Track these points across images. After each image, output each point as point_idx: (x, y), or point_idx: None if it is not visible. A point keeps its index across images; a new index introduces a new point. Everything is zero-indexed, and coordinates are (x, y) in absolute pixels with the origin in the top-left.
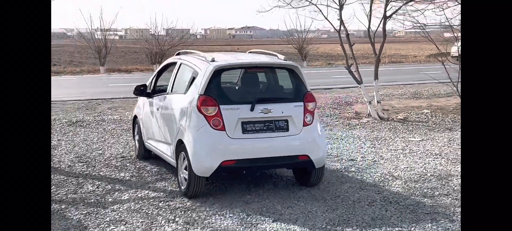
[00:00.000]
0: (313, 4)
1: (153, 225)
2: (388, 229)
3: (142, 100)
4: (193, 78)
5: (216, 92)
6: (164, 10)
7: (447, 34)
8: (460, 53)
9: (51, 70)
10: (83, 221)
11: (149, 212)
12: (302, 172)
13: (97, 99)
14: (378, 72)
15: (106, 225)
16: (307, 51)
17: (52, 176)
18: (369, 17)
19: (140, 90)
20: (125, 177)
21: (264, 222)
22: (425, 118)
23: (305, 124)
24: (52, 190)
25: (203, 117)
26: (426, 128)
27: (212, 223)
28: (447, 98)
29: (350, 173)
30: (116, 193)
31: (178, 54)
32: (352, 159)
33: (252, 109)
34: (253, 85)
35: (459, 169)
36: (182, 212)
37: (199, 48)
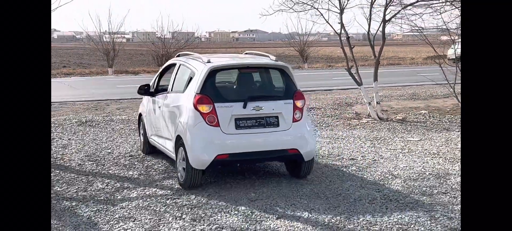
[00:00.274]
0: (315, 8)
1: (161, 222)
2: (389, 226)
3: (146, 99)
4: (191, 78)
5: (211, 91)
6: (170, 14)
7: (444, 37)
8: (456, 55)
9: (61, 72)
10: (93, 217)
11: (157, 209)
12: (293, 165)
13: (106, 100)
14: (377, 74)
15: (115, 222)
16: (308, 54)
17: (63, 174)
18: (369, 20)
19: (144, 90)
20: (133, 175)
21: (268, 219)
22: (423, 119)
23: (294, 120)
24: (63, 188)
25: (199, 114)
26: (424, 128)
27: (217, 220)
28: (444, 99)
29: (351, 171)
30: (125, 190)
31: (178, 56)
32: (352, 158)
33: (244, 106)
34: (247, 84)
35: (457, 168)
36: (189, 209)
37: (203, 51)
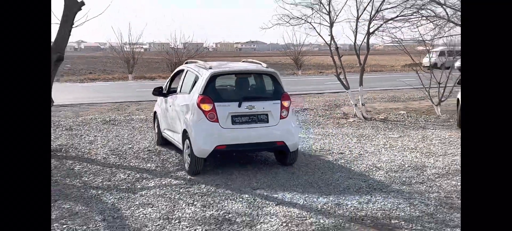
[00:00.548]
0: (308, 22)
1: (175, 208)
2: (373, 212)
3: (160, 99)
4: (195, 82)
5: (212, 92)
6: (182, 27)
7: (420, 47)
8: (431, 63)
9: (88, 78)
10: (116, 204)
11: (171, 196)
12: (280, 154)
13: (127, 102)
14: (362, 80)
15: (136, 208)
16: (302, 62)
17: (90, 166)
18: (355, 33)
19: (158, 91)
20: (151, 167)
21: (268, 205)
22: (402, 118)
23: (281, 117)
24: (90, 178)
25: (202, 112)
26: (403, 126)
27: (225, 206)
28: (420, 101)
29: (340, 164)
30: (144, 180)
31: (186, 63)
32: (341, 152)
33: (239, 105)
34: (242, 87)
35: (432, 161)
36: (200, 197)
37: (210, 59)
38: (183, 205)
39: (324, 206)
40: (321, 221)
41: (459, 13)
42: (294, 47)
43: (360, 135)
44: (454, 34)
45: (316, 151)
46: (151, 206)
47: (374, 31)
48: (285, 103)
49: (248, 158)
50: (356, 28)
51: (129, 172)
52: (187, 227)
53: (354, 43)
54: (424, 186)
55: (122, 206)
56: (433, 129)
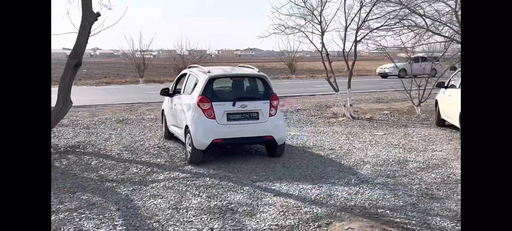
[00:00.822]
0: (301, 31)
1: (183, 199)
2: (362, 202)
3: (167, 99)
4: (196, 84)
5: (210, 93)
6: (188, 35)
7: (401, 54)
8: (412, 68)
9: (102, 81)
10: (129, 195)
11: (179, 188)
12: (270, 147)
13: (138, 103)
14: (350, 83)
15: (147, 199)
16: (295, 67)
17: (105, 161)
18: (343, 41)
19: (165, 92)
20: (161, 162)
21: (267, 196)
22: (386, 117)
23: (270, 115)
24: (105, 172)
25: (201, 110)
26: (387, 125)
27: (227, 197)
28: (402, 102)
29: (331, 158)
30: (154, 174)
31: (189, 67)
32: (332, 148)
33: (233, 105)
34: (236, 88)
35: (414, 156)
36: (205, 189)
37: (213, 65)
38: (190, 196)
39: (317, 197)
40: (315, 210)
41: (437, 22)
42: (288, 54)
43: (348, 132)
44: (432, 42)
45: (309, 147)
46: (161, 197)
47: (360, 39)
48: (274, 103)
49: (248, 154)
50: (345, 36)
51: (141, 166)
52: (193, 216)
53: (343, 50)
54: (407, 179)
55: (134, 197)
56: (414, 127)
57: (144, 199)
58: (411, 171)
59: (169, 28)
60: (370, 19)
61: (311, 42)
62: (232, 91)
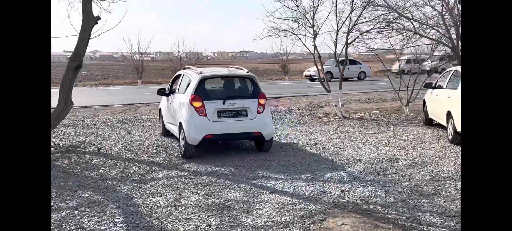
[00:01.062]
0: (295, 34)
1: (181, 196)
2: (354, 198)
3: (163, 98)
4: (189, 84)
5: (202, 92)
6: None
7: (390, 56)
8: (400, 69)
9: (102, 82)
10: (129, 193)
11: (178, 186)
12: (258, 143)
13: (137, 103)
14: (342, 84)
15: (146, 196)
16: (288, 68)
17: (105, 160)
18: (335, 43)
19: (161, 92)
20: (159, 160)
21: (262, 193)
22: (376, 117)
23: (258, 112)
24: (106, 171)
25: (193, 108)
26: (377, 124)
27: (224, 195)
28: (391, 102)
29: (324, 157)
30: (153, 172)
31: (184, 68)
32: (324, 147)
33: (224, 103)
34: (227, 88)
35: (403, 154)
36: (202, 186)
37: (209, 66)
38: (188, 194)
39: (311, 194)
40: (309, 207)
41: (425, 26)
42: (281, 56)
43: (340, 131)
44: (420, 44)
45: (303, 145)
46: (160, 195)
47: (351, 42)
48: (262, 101)
49: (244, 153)
50: (336, 39)
51: (140, 165)
52: (192, 213)
53: (334, 52)
54: (397, 176)
55: (134, 195)
56: (402, 126)
57: (143, 196)
58: (401, 168)
59: (167, 31)
60: (361, 23)
61: (304, 44)
62: (223, 90)
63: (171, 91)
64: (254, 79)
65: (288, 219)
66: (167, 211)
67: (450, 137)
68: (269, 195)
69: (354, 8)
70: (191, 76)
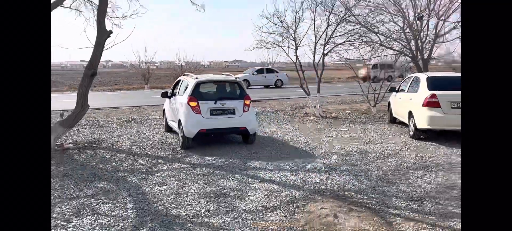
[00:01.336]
0: (280, 46)
1: (183, 186)
2: (331, 186)
3: (167, 100)
4: (186, 87)
5: (197, 94)
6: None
7: (359, 64)
8: (370, 75)
9: (114, 88)
10: (138, 183)
11: (180, 177)
12: (244, 136)
13: (144, 105)
14: (319, 88)
15: (153, 186)
16: None
17: (118, 154)
18: (313, 54)
19: (165, 94)
20: (164, 154)
21: (254, 182)
22: (348, 116)
23: (244, 111)
24: (118, 164)
25: (190, 107)
26: (349, 122)
27: (221, 184)
28: (361, 104)
29: (305, 150)
30: (159, 165)
31: (183, 75)
32: (305, 142)
33: (215, 103)
34: (218, 91)
35: (372, 147)
36: (202, 177)
37: (205, 73)
38: (189, 183)
39: (295, 182)
40: (293, 193)
41: (389, 39)
42: (268, 64)
43: (318, 129)
44: (385, 54)
45: (287, 141)
46: (165, 184)
47: (327, 52)
48: (247, 102)
49: (237, 148)
50: (315, 50)
51: (148, 158)
52: (193, 200)
53: (313, 62)
54: (367, 166)
55: (143, 184)
56: (371, 124)
57: (150, 186)
58: (370, 160)
59: (169, 43)
60: (335, 36)
61: (287, 55)
62: (215, 93)
63: (173, 94)
64: (240, 84)
65: (275, 204)
66: (171, 198)
67: (411, 133)
68: (259, 184)
69: (330, 24)
70: (189, 81)
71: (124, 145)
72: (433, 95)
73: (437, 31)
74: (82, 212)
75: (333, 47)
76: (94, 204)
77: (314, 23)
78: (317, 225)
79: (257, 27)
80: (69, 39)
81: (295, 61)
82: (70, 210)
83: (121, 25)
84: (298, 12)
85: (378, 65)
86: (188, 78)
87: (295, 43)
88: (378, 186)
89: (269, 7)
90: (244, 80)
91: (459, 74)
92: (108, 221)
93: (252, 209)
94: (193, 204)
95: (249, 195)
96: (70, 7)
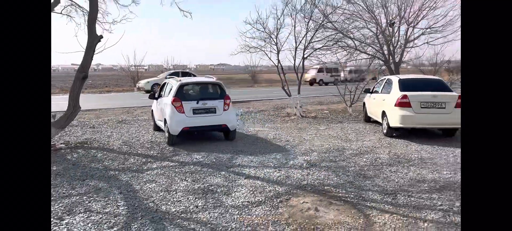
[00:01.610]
0: (262, 50)
1: (172, 183)
2: (312, 181)
3: (154, 101)
4: (171, 89)
5: (181, 95)
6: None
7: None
8: (345, 77)
9: (104, 90)
10: (129, 181)
11: (169, 175)
12: (225, 133)
13: (133, 107)
14: (300, 90)
15: (143, 183)
16: (257, 78)
17: (108, 153)
18: (294, 58)
19: (152, 96)
20: (153, 154)
21: (239, 179)
22: (327, 116)
23: (224, 110)
24: (109, 163)
25: (174, 107)
26: (327, 121)
27: (208, 181)
28: (338, 104)
29: (286, 148)
30: (148, 164)
31: (168, 77)
32: (287, 140)
33: (197, 103)
34: (201, 91)
35: (349, 145)
36: (190, 174)
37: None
38: (178, 181)
39: (278, 178)
40: (276, 188)
41: (363, 44)
42: (251, 68)
43: (299, 128)
44: (360, 58)
45: (270, 139)
46: (155, 182)
47: (307, 56)
48: (227, 101)
49: (223, 147)
50: (295, 54)
51: (137, 157)
52: (181, 196)
53: (294, 65)
54: (345, 162)
55: (133, 182)
56: (348, 123)
57: (141, 184)
58: (347, 156)
59: (158, 47)
60: (314, 41)
61: (270, 58)
62: (197, 93)
63: (160, 96)
64: (221, 85)
65: (260, 199)
66: (161, 195)
67: (384, 131)
68: (244, 180)
69: (309, 30)
70: (173, 83)
71: (115, 145)
72: (404, 96)
73: (407, 36)
74: (74, 210)
75: (312, 52)
76: (86, 202)
77: (295, 29)
78: (300, 218)
79: (241, 33)
80: (60, 43)
81: (277, 64)
82: (63, 208)
83: (111, 30)
84: (279, 18)
85: (324, 69)
86: (172, 80)
87: (277, 48)
88: (355, 180)
89: (252, 14)
90: (155, 84)
91: (427, 76)
92: (100, 218)
93: (238, 204)
94: (182, 200)
95: (235, 191)
96: (61, 13)
